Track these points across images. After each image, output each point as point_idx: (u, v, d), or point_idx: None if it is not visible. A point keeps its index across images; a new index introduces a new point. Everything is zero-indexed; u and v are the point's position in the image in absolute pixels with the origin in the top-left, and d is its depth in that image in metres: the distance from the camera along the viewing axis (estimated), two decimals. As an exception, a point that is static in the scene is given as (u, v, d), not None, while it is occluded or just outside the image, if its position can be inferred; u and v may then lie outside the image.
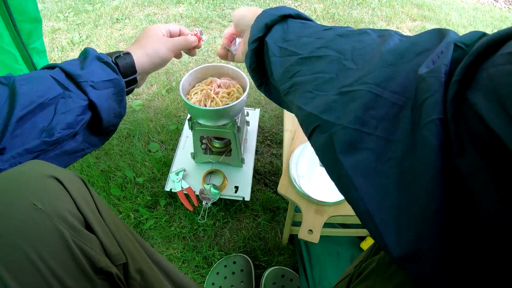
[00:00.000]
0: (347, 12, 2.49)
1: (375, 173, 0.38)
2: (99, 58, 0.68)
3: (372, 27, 2.34)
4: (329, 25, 0.59)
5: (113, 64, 0.70)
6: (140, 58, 0.77)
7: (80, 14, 2.40)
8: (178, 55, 0.92)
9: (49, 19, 2.36)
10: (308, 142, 1.02)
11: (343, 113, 0.42)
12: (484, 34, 0.36)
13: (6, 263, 0.42)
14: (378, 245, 0.59)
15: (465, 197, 0.31)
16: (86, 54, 0.69)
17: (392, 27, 2.44)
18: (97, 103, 0.65)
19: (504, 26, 2.80)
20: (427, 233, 0.33)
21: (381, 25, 2.43)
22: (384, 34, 0.47)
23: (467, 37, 0.37)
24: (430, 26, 2.54)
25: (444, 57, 0.36)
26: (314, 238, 0.90)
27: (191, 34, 0.93)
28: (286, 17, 0.62)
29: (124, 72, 0.73)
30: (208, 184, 1.23)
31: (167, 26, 0.88)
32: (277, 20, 0.62)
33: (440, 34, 0.41)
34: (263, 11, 0.65)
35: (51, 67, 0.65)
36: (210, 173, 1.31)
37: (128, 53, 0.75)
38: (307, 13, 2.42)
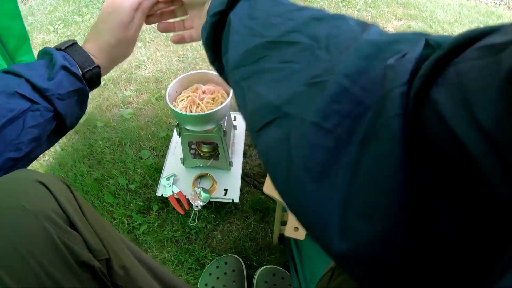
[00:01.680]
0: (332, 14, 2.52)
1: (327, 177, 0.34)
2: (66, 68, 0.65)
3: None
4: (303, 5, 0.50)
5: (80, 75, 0.68)
6: (106, 68, 0.75)
7: (70, 26, 2.43)
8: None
9: (39, 32, 2.39)
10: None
11: (307, 106, 0.37)
12: None
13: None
14: None
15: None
16: (51, 59, 0.65)
17: (378, 27, 2.47)
18: (63, 113, 0.66)
19: (490, 21, 2.83)
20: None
21: (367, 25, 2.46)
22: (362, 24, 0.43)
23: (441, 38, 0.32)
24: (415, 24, 2.58)
25: (414, 51, 0.32)
26: (300, 235, 0.93)
27: None
28: None
29: (90, 82, 0.71)
30: (198, 188, 1.26)
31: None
32: None
33: (422, 37, 0.35)
34: None
35: (16, 74, 0.62)
36: (200, 177, 1.34)
37: (97, 66, 0.72)
38: (293, 16, 2.46)
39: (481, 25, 2.78)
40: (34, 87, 0.62)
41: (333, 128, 0.34)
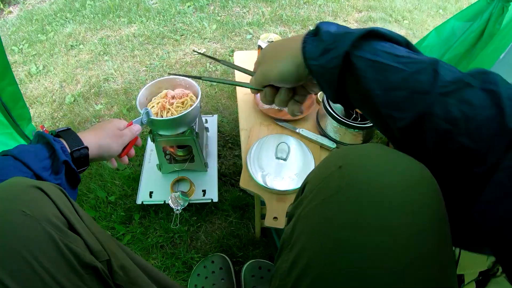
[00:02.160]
0: (294, 12, 2.58)
1: None
2: (67, 164, 0.71)
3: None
4: (409, 61, 0.48)
5: (77, 171, 0.74)
6: (92, 151, 0.81)
7: (34, 45, 2.41)
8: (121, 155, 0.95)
9: (4, 54, 2.36)
10: (263, 138, 1.09)
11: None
12: None
13: (4, 264, 0.47)
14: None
15: None
16: (54, 152, 0.71)
17: (339, 21, 2.53)
18: None
19: (448, 5, 2.93)
20: None
21: (329, 19, 2.52)
22: (489, 90, 0.42)
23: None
24: (375, 15, 2.65)
25: None
26: (280, 224, 0.96)
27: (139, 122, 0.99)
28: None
29: (77, 161, 0.77)
30: (176, 192, 1.28)
31: (125, 123, 0.95)
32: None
33: None
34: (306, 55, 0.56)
35: (27, 165, 0.66)
36: (177, 181, 1.36)
37: (85, 147, 0.78)
38: (255, 18, 2.50)
39: (441, 10, 2.86)
40: (41, 179, 0.67)
41: None
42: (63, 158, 0.70)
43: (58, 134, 0.78)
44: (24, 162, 0.66)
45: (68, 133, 0.79)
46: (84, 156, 0.78)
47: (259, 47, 1.28)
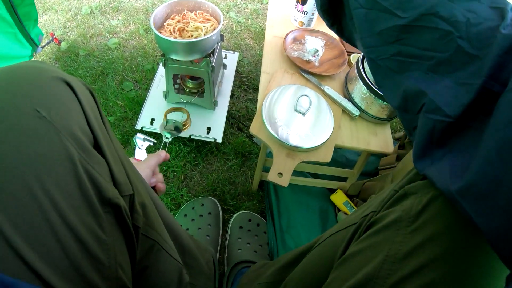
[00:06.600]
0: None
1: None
2: None
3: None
4: None
5: None
6: None
7: None
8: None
9: None
10: (285, 86, 0.99)
11: (456, 104, 0.41)
12: None
13: None
14: (395, 197, 0.52)
15: None
16: None
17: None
18: None
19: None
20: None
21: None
22: (498, 7, 0.42)
23: None
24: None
25: None
26: (284, 181, 0.88)
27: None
28: None
29: None
30: (169, 120, 1.18)
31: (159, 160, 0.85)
32: None
33: None
34: None
35: None
36: (174, 110, 1.27)
37: None
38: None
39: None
40: None
41: (478, 126, 0.39)
42: None
43: None
44: None
45: None
46: None
47: None
